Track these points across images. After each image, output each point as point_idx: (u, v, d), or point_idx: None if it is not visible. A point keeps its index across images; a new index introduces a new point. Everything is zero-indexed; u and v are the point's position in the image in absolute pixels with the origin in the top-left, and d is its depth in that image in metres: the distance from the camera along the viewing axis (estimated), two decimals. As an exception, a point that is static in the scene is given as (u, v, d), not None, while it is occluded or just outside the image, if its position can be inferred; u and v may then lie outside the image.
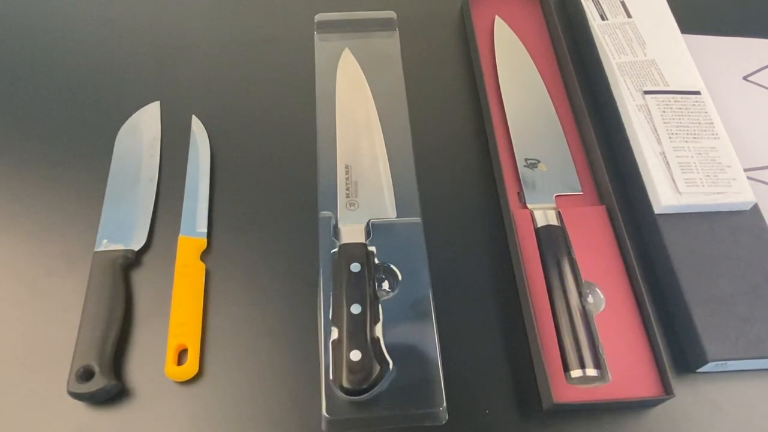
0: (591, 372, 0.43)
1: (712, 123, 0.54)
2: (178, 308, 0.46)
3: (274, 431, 0.43)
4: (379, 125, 0.55)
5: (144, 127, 0.57)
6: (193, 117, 0.57)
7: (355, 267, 0.46)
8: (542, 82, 0.59)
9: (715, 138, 0.53)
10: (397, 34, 0.62)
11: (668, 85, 0.56)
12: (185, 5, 0.67)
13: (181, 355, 0.46)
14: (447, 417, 0.43)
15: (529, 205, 0.52)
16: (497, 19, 0.63)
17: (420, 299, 0.46)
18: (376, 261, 0.47)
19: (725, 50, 0.63)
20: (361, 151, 0.54)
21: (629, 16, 0.62)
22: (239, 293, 0.49)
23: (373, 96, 0.57)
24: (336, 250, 0.47)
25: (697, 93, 0.56)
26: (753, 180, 0.54)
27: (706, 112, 0.54)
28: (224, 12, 0.67)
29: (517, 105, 0.57)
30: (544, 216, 0.50)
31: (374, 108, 0.56)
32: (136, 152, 0.55)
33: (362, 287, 0.45)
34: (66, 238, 0.51)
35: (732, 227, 0.50)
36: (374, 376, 0.42)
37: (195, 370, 0.45)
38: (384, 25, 0.62)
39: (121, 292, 0.47)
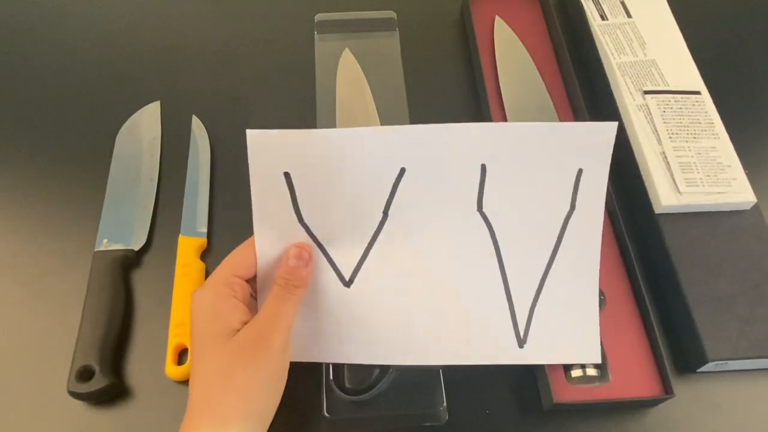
0: (591, 372, 0.43)
1: (712, 123, 0.54)
2: (178, 308, 0.46)
3: (274, 431, 0.43)
4: (379, 125, 0.55)
5: (144, 127, 0.57)
6: (193, 117, 0.57)
7: (355, 267, 0.46)
8: (542, 82, 0.59)
9: (715, 138, 0.53)
10: (397, 34, 0.62)
11: (668, 85, 0.56)
12: (185, 5, 0.67)
13: (181, 355, 0.46)
14: (447, 417, 0.43)
15: (529, 205, 0.51)
16: (497, 19, 0.63)
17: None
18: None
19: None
20: (361, 151, 0.54)
21: (629, 16, 0.62)
22: (239, 293, 0.49)
23: (373, 96, 0.57)
24: (336, 250, 0.47)
25: (697, 93, 0.56)
26: None
27: (706, 112, 0.54)
28: (224, 12, 0.67)
29: (517, 105, 0.57)
30: (544, 216, 0.50)
31: (374, 108, 0.56)
32: (136, 152, 0.55)
33: (362, 287, 0.45)
34: (66, 238, 0.51)
35: (732, 227, 0.50)
36: (374, 375, 0.42)
37: (195, 370, 0.45)
38: (384, 25, 0.63)
39: (121, 292, 0.47)
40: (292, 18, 0.65)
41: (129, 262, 0.49)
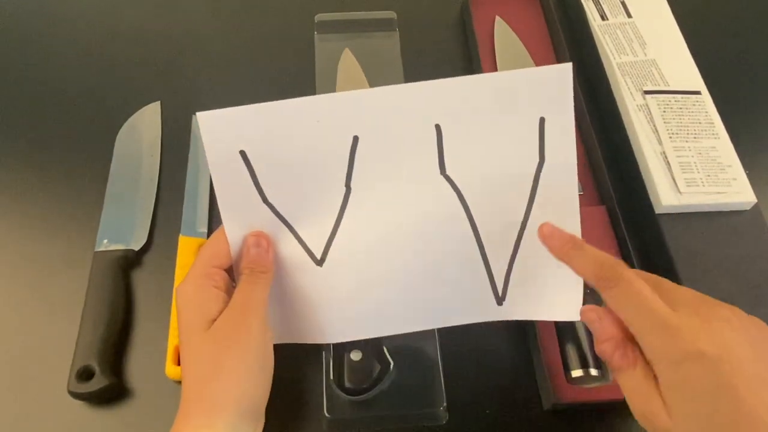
0: (592, 372, 0.43)
1: (712, 123, 0.54)
2: (178, 308, 0.46)
3: (274, 431, 0.43)
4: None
5: (144, 127, 0.57)
6: (193, 117, 0.57)
7: (355, 267, 0.46)
8: (542, 82, 0.59)
9: (715, 138, 0.53)
10: (397, 34, 0.62)
11: (668, 85, 0.56)
12: (185, 5, 0.67)
13: (181, 355, 0.46)
14: (447, 417, 0.43)
15: (529, 205, 0.51)
16: (497, 19, 0.63)
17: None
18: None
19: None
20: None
21: (629, 16, 0.62)
22: (239, 293, 0.49)
23: (373, 96, 0.57)
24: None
25: (698, 93, 0.56)
26: None
27: (706, 112, 0.54)
28: (224, 12, 0.67)
29: (517, 105, 0.57)
30: (545, 216, 0.50)
31: (374, 108, 0.56)
32: (136, 152, 0.55)
33: (362, 287, 0.45)
34: (66, 238, 0.51)
35: (732, 227, 0.50)
36: (374, 375, 0.42)
37: (195, 370, 0.45)
38: (384, 25, 0.63)
39: (121, 292, 0.47)
40: (292, 18, 0.65)
41: (129, 262, 0.49)
